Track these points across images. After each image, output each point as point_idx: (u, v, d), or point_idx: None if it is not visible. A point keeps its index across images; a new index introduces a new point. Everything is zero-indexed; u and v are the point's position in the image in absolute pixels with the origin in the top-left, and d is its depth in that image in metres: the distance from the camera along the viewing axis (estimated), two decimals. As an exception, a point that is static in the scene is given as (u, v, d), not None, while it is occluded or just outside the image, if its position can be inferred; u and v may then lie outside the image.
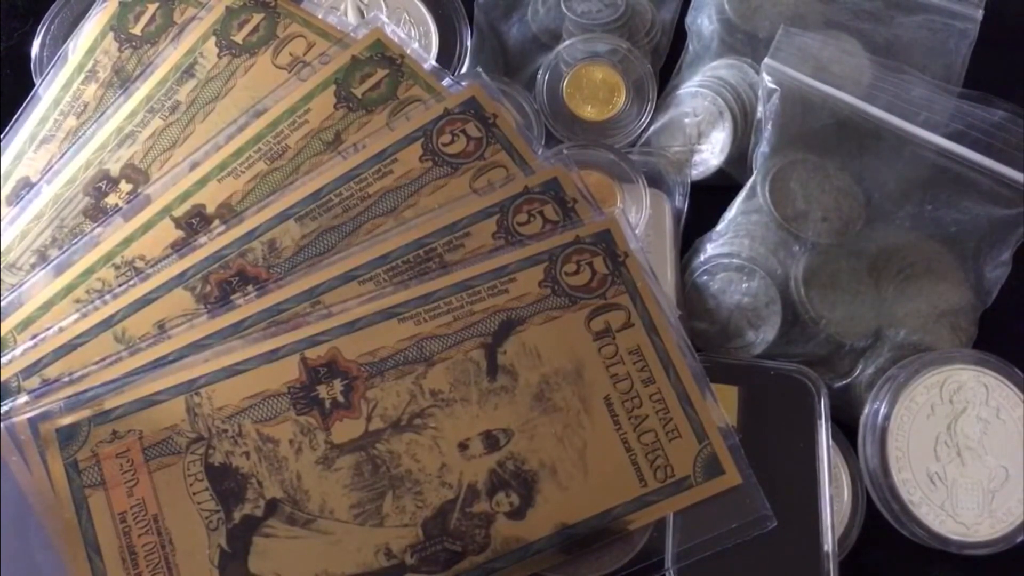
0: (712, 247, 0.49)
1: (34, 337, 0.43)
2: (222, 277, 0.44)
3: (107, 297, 0.43)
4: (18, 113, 0.50)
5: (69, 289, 0.44)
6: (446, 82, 0.49)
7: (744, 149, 0.52)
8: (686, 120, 0.54)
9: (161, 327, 0.42)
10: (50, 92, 0.50)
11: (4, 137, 0.50)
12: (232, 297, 0.43)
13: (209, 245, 0.44)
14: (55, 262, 0.45)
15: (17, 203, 0.47)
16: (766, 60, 0.49)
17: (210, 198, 0.46)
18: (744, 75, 0.53)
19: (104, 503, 0.38)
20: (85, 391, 0.40)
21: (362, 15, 0.56)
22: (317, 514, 0.39)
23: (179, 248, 0.45)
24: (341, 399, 0.40)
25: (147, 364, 0.41)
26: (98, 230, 0.46)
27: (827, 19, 0.53)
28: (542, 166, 0.46)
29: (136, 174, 0.48)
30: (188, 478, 0.39)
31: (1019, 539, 0.43)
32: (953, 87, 0.50)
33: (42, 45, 0.55)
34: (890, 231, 0.48)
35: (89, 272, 0.44)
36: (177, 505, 0.38)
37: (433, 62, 0.51)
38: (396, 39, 0.50)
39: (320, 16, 0.52)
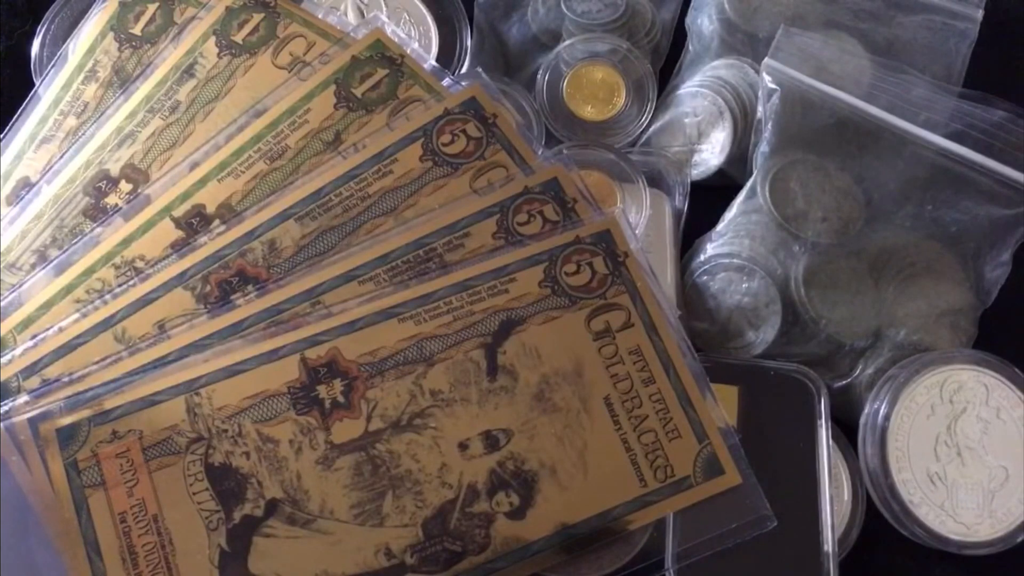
0: (712, 247, 0.49)
1: (34, 337, 0.43)
2: (222, 277, 0.44)
3: (107, 297, 0.43)
4: (18, 113, 0.50)
5: (69, 289, 0.44)
6: (446, 82, 0.49)
7: (744, 149, 0.52)
8: (686, 120, 0.54)
9: (161, 327, 0.42)
10: (50, 92, 0.50)
11: (4, 137, 0.50)
12: (232, 297, 0.43)
13: (209, 245, 0.44)
14: (55, 262, 0.45)
15: (17, 203, 0.47)
16: (766, 60, 0.49)
17: (210, 198, 0.46)
18: (744, 75, 0.53)
19: (104, 503, 0.38)
20: (85, 391, 0.40)
21: (362, 15, 0.56)
22: (317, 514, 0.39)
23: (179, 248, 0.45)
24: (341, 399, 0.40)
25: (147, 364, 0.41)
26: (98, 230, 0.46)
27: (827, 19, 0.53)
28: (542, 166, 0.46)
29: (136, 174, 0.48)
30: (188, 478, 0.39)
31: (1019, 539, 0.43)
32: (953, 87, 0.50)
33: (42, 45, 0.55)
34: (890, 231, 0.48)
35: (89, 272, 0.44)
36: (177, 505, 0.38)
37: (433, 62, 0.51)
38: (396, 39, 0.50)
39: (320, 16, 0.52)
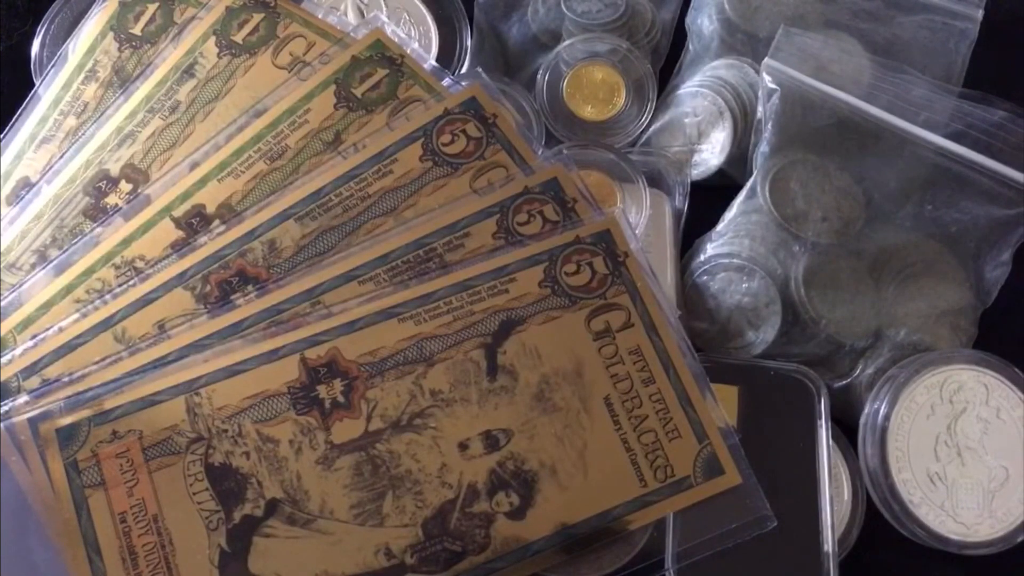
0: (712, 247, 0.49)
1: (34, 337, 0.43)
2: (222, 277, 0.44)
3: (107, 297, 0.43)
4: (18, 113, 0.50)
5: (69, 289, 0.44)
6: (446, 82, 0.49)
7: (744, 149, 0.52)
8: (686, 120, 0.54)
9: (161, 327, 0.42)
10: (50, 92, 0.50)
11: (4, 137, 0.50)
12: (232, 297, 0.43)
13: (209, 245, 0.44)
14: (55, 262, 0.45)
15: (17, 203, 0.48)
16: (766, 60, 0.49)
17: (210, 198, 0.46)
18: (744, 75, 0.53)
19: (104, 503, 0.38)
20: (85, 391, 0.40)
21: (362, 15, 0.56)
22: (317, 514, 0.39)
23: (179, 248, 0.45)
24: (341, 399, 0.40)
25: (147, 364, 0.41)
26: (98, 230, 0.46)
27: (827, 19, 0.53)
28: (542, 166, 0.46)
29: (136, 174, 0.48)
30: (188, 478, 0.39)
31: (1019, 539, 0.43)
32: (953, 87, 0.50)
33: (42, 45, 0.55)
34: (890, 231, 0.48)
35: (89, 272, 0.44)
36: (177, 505, 0.38)
37: (433, 62, 0.51)
38: (396, 39, 0.50)
39: (320, 16, 0.52)
